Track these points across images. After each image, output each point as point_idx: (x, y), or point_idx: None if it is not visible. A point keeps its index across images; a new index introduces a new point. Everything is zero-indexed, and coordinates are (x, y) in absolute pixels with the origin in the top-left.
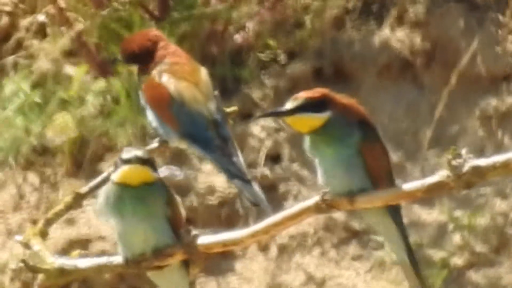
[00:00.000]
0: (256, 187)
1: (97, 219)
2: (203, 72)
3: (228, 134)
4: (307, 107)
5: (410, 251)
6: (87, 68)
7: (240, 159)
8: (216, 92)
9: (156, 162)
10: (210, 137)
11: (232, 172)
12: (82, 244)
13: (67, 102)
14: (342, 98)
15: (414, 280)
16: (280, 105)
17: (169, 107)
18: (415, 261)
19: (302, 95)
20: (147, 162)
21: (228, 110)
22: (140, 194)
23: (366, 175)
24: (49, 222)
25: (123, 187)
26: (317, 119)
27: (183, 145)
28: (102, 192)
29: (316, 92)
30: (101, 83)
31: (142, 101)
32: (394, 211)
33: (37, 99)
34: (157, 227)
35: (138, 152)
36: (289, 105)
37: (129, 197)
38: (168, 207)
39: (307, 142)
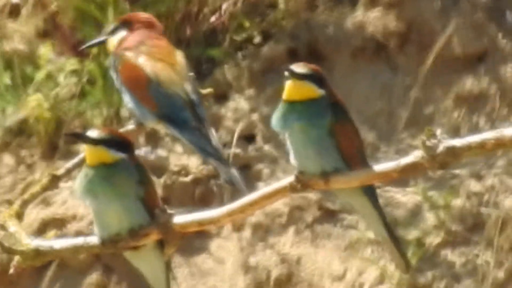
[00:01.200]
0: (232, 168)
1: (72, 200)
2: (179, 55)
3: (204, 115)
4: (313, 78)
5: (388, 227)
6: (53, 45)
7: (216, 139)
8: (191, 74)
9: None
10: (187, 117)
11: (209, 153)
12: (57, 224)
13: (42, 83)
14: None
15: (396, 256)
16: (256, 86)
17: (146, 88)
18: (394, 237)
19: (311, 66)
20: (102, 142)
21: (204, 91)
22: (105, 174)
23: (339, 155)
24: (25, 204)
25: (90, 168)
26: (316, 92)
27: (159, 126)
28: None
29: (317, 67)
30: (72, 62)
31: (118, 83)
32: (369, 190)
33: (10, 80)
34: (129, 207)
35: (92, 133)
36: (299, 69)
37: (97, 177)
38: (141, 187)
39: (278, 111)
